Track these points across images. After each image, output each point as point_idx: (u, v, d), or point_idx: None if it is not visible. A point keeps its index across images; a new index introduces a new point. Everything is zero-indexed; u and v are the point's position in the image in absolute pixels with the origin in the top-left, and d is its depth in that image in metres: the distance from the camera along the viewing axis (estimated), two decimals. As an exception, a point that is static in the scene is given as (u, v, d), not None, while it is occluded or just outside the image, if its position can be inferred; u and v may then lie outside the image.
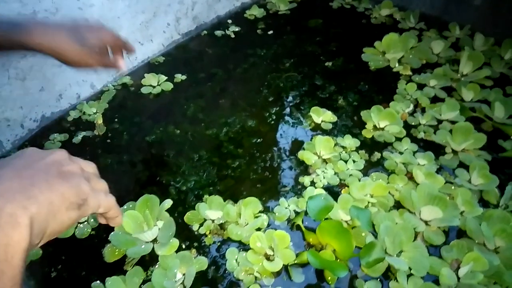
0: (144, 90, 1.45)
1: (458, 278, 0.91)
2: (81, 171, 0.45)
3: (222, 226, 1.04)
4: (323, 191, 1.08)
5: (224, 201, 1.07)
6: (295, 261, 0.95)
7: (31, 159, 0.43)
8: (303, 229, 1.01)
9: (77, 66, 0.88)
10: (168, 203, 1.06)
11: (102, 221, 0.51)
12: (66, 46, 0.83)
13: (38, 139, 1.29)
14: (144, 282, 0.93)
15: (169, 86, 1.46)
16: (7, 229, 0.34)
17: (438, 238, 0.99)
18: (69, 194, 0.41)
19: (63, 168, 0.43)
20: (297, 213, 1.06)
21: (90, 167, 0.48)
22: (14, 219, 0.35)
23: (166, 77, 1.49)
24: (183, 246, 1.00)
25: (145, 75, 1.48)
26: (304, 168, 1.17)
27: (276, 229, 1.00)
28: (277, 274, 0.94)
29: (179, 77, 1.50)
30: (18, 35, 0.78)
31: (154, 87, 1.47)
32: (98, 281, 0.93)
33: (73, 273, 0.97)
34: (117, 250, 0.99)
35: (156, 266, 0.96)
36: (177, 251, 0.98)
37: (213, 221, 1.05)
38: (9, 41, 0.78)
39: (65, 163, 0.44)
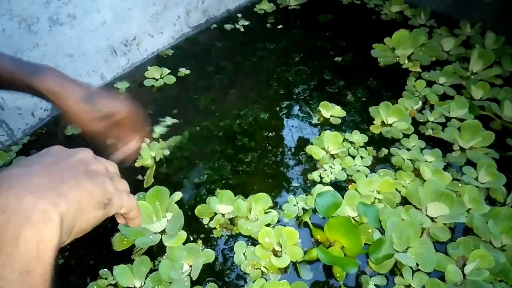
0: (146, 83, 1.46)
1: (464, 275, 0.91)
2: (105, 170, 0.46)
3: (232, 221, 1.04)
4: (330, 188, 1.08)
5: (235, 195, 1.08)
6: (303, 258, 0.95)
7: (58, 156, 0.43)
8: (311, 226, 1.02)
9: (78, 124, 0.78)
10: (178, 195, 1.07)
11: (121, 221, 0.51)
12: (72, 101, 0.75)
13: (49, 128, 1.30)
14: (151, 271, 0.95)
15: (171, 79, 1.47)
16: (39, 225, 0.34)
17: (444, 234, 0.99)
18: (96, 193, 0.41)
19: (89, 167, 0.44)
20: (305, 210, 1.06)
21: (112, 167, 0.49)
22: (45, 216, 0.34)
23: (169, 71, 1.49)
24: (191, 238, 1.01)
25: (148, 67, 1.48)
26: (313, 164, 1.17)
27: (285, 226, 1.01)
28: (284, 270, 0.95)
29: (183, 71, 1.50)
30: (29, 78, 0.73)
31: (156, 80, 1.47)
32: (105, 269, 0.94)
33: (81, 261, 0.98)
34: (125, 239, 1.00)
35: (164, 257, 0.97)
36: (185, 243, 0.99)
37: (223, 215, 1.05)
38: (19, 81, 0.73)
39: (91, 162, 0.45)
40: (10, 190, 0.34)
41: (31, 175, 0.37)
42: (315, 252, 0.93)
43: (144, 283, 0.93)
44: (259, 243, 0.98)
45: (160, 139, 1.23)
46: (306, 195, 1.09)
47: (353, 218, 1.02)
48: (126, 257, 0.97)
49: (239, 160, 1.18)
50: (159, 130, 1.25)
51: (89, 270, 0.96)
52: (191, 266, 0.94)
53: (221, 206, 1.04)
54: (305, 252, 0.96)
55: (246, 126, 1.29)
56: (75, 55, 1.29)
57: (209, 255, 0.97)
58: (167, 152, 1.19)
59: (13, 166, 0.39)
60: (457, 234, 1.00)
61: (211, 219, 1.05)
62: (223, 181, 1.13)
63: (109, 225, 1.03)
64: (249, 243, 0.99)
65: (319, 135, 1.23)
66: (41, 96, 0.74)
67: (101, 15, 1.31)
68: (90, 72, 1.38)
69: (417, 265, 0.93)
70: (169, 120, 1.29)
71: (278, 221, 1.04)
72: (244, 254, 0.97)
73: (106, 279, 0.94)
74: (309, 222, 1.02)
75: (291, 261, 0.95)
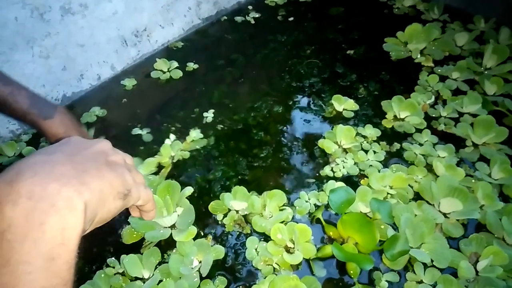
0: (153, 74, 1.46)
1: (477, 272, 0.90)
2: (124, 162, 0.46)
3: (246, 218, 1.03)
4: (342, 183, 1.07)
5: (249, 192, 1.07)
6: (317, 255, 0.95)
7: (79, 146, 0.43)
8: (323, 222, 1.01)
9: None
10: (189, 190, 1.07)
11: (136, 214, 0.52)
12: None
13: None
14: (160, 263, 0.95)
15: (178, 74, 1.46)
16: (64, 212, 0.34)
17: (456, 230, 0.98)
18: (117, 184, 0.41)
19: (109, 157, 0.44)
20: (317, 207, 1.05)
21: (129, 159, 0.49)
22: (70, 203, 0.35)
23: (177, 64, 1.48)
24: (202, 234, 1.01)
25: (157, 59, 1.48)
26: (326, 159, 1.17)
27: (297, 222, 1.00)
28: (296, 267, 0.94)
29: (191, 65, 1.49)
30: (40, 121, 0.82)
31: (164, 72, 1.46)
32: (113, 258, 0.95)
33: (90, 252, 0.98)
34: (135, 232, 1.00)
35: (174, 251, 0.97)
36: (196, 239, 0.98)
37: (237, 211, 1.04)
38: (30, 120, 0.82)
39: (110, 153, 0.45)
40: (35, 176, 0.34)
41: (54, 163, 0.37)
42: (329, 249, 0.93)
43: (153, 274, 0.93)
44: (271, 240, 0.97)
45: (184, 141, 1.22)
46: (318, 191, 1.08)
47: (365, 214, 1.01)
48: (135, 250, 0.97)
49: (254, 156, 1.18)
50: (195, 134, 1.23)
51: (97, 261, 0.96)
52: (200, 262, 0.94)
53: (235, 202, 1.04)
54: (318, 249, 0.96)
55: (261, 119, 1.28)
56: (86, 44, 1.29)
57: (219, 251, 0.96)
58: (187, 155, 1.18)
59: (36, 154, 0.39)
60: (469, 231, 1.00)
61: (225, 215, 1.04)
62: (239, 177, 1.12)
63: (122, 217, 1.03)
64: (261, 239, 0.99)
65: (332, 129, 1.22)
66: (44, 135, 0.84)
67: (113, 5, 1.30)
68: (101, 63, 1.37)
69: (432, 261, 0.92)
70: (210, 114, 1.29)
71: (292, 218, 1.03)
72: (256, 249, 0.97)
73: (114, 267, 0.94)
74: (321, 219, 1.01)
75: (303, 258, 0.94)
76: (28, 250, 0.32)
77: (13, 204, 0.32)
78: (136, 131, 1.25)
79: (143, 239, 0.99)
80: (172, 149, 1.18)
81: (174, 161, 1.17)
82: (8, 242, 0.32)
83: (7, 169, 0.35)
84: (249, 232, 1.01)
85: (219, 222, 1.03)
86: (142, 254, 0.96)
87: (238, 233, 1.01)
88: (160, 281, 0.91)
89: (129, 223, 1.00)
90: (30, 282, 0.32)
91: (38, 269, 0.32)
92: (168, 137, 1.21)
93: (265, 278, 0.91)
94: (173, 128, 1.25)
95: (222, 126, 1.27)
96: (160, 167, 1.15)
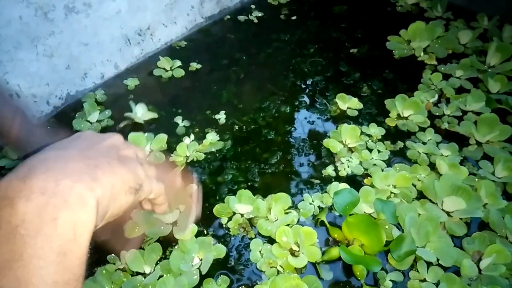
0: (155, 72, 1.45)
1: (480, 270, 0.90)
2: (136, 156, 0.46)
3: (251, 221, 1.03)
4: (346, 184, 1.07)
5: (254, 195, 1.06)
6: (323, 258, 0.94)
7: (91, 141, 0.44)
8: (327, 225, 1.00)
9: None
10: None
11: (148, 207, 0.52)
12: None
13: (62, 117, 1.30)
14: (160, 259, 0.96)
15: (180, 73, 1.45)
16: (76, 209, 0.34)
17: (460, 229, 0.98)
18: (128, 179, 0.42)
19: (120, 152, 0.44)
20: (321, 209, 1.05)
21: (141, 152, 0.49)
22: (82, 199, 0.35)
23: (180, 63, 1.48)
24: (205, 232, 1.01)
25: (160, 57, 1.47)
26: (332, 158, 1.16)
27: (302, 225, 1.00)
28: (300, 270, 0.94)
29: (194, 65, 1.49)
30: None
31: (166, 71, 1.46)
32: (112, 254, 0.95)
33: (92, 245, 0.98)
34: (137, 227, 1.00)
35: (176, 248, 0.97)
36: (197, 237, 0.98)
37: (242, 215, 1.04)
38: None
39: (122, 147, 0.45)
40: (48, 172, 0.35)
41: (67, 159, 0.38)
42: (335, 251, 0.93)
43: (154, 270, 0.94)
44: (275, 242, 0.97)
45: (201, 142, 1.21)
46: (322, 193, 1.08)
47: (369, 215, 1.01)
48: (136, 244, 0.98)
49: (265, 160, 1.17)
50: (211, 136, 1.22)
51: (98, 254, 0.95)
52: (201, 260, 0.94)
53: (240, 205, 1.03)
54: (324, 252, 0.95)
55: (270, 119, 1.28)
56: (90, 43, 1.29)
57: (220, 250, 0.97)
58: (201, 156, 1.17)
59: (48, 149, 0.40)
60: (472, 229, 1.00)
61: (230, 219, 1.04)
62: (248, 183, 1.12)
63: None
64: (265, 241, 0.99)
65: (337, 128, 1.22)
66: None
67: (116, 3, 1.30)
68: (105, 61, 1.38)
69: (438, 260, 0.92)
70: (222, 115, 1.29)
71: (297, 221, 1.03)
72: (260, 252, 0.97)
73: (114, 264, 0.94)
74: (326, 221, 1.01)
75: (308, 261, 0.94)
76: (40, 245, 0.32)
77: (26, 200, 0.33)
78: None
79: (144, 234, 0.99)
80: (188, 150, 1.18)
81: (188, 161, 1.17)
82: (21, 237, 0.32)
83: (19, 165, 0.36)
84: (253, 236, 1.00)
85: (224, 226, 1.03)
86: (142, 248, 0.96)
87: (242, 236, 1.01)
88: (161, 276, 0.92)
89: (131, 218, 1.00)
90: (42, 277, 0.32)
91: (51, 264, 0.32)
92: (188, 136, 1.21)
93: (268, 279, 0.91)
94: (186, 128, 1.26)
95: (234, 128, 1.26)
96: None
